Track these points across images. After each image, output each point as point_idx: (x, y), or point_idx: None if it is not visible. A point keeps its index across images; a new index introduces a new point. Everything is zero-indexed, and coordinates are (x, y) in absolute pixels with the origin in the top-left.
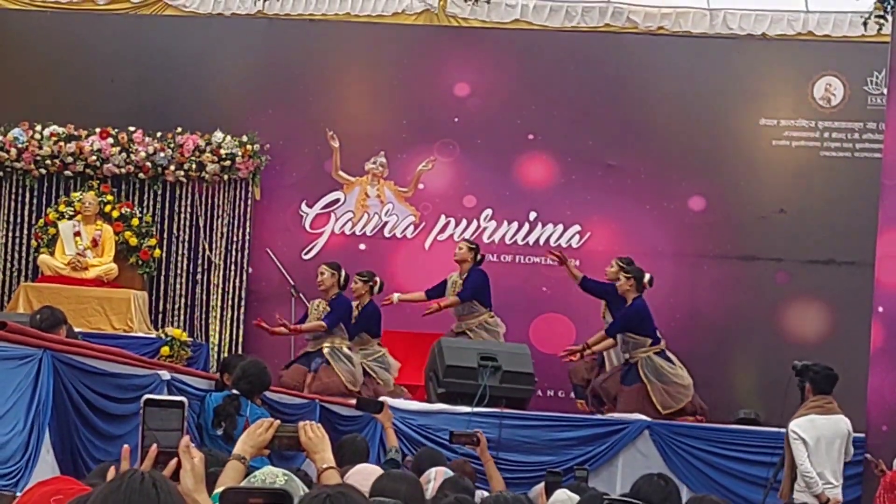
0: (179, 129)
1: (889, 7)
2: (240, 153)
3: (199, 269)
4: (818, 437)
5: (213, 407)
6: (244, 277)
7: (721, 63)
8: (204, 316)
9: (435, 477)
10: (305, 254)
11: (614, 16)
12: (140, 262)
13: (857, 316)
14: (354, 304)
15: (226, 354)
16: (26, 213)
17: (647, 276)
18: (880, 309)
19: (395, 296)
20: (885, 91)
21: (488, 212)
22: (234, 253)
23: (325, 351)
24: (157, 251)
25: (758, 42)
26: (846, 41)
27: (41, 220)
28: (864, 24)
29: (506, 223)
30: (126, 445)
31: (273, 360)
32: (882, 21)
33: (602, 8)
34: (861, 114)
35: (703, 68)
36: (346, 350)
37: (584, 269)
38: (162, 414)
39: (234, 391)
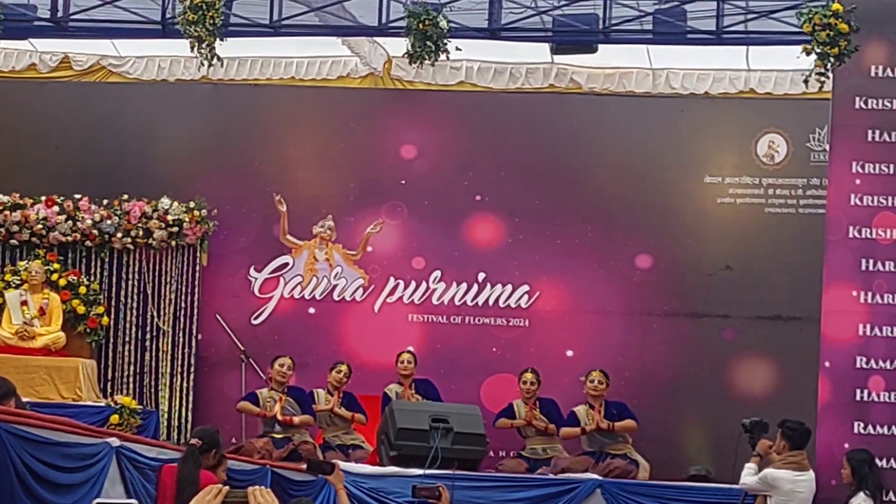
0: (126, 196)
1: (829, 64)
2: (187, 219)
3: (148, 337)
4: (790, 491)
5: None
6: (193, 344)
7: (665, 122)
8: (153, 383)
9: None
10: (255, 319)
11: (558, 77)
12: (88, 331)
13: (804, 371)
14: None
15: (176, 422)
16: None
17: None
18: (827, 364)
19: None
20: (826, 147)
21: (437, 273)
22: (182, 319)
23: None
24: (105, 319)
25: (701, 101)
26: (788, 98)
27: None
28: (806, 81)
29: (455, 284)
30: None
31: (224, 426)
32: (823, 79)
33: (546, 69)
34: (804, 170)
35: (647, 127)
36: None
37: (534, 328)
38: None
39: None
